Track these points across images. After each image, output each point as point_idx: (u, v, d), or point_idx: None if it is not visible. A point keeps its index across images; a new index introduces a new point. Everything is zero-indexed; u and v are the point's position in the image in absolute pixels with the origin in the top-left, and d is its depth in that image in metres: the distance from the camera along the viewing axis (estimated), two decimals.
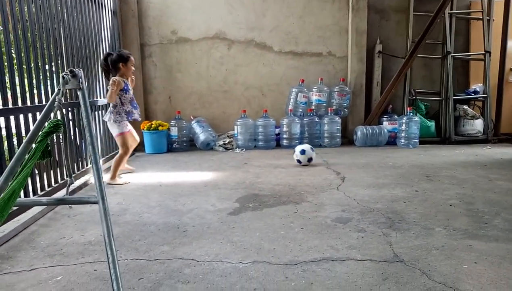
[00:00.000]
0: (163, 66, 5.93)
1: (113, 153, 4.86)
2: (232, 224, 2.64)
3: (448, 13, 6.06)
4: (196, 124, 5.75)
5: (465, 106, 6.23)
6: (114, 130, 3.87)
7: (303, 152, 4.45)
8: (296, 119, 5.72)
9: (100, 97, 4.58)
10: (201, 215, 2.83)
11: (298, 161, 4.48)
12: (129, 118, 3.91)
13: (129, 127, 4.00)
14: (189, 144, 5.81)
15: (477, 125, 6.13)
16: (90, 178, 3.92)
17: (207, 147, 5.71)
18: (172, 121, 5.64)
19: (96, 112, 4.42)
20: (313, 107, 5.96)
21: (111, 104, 3.82)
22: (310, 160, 4.47)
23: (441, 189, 3.42)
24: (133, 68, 3.95)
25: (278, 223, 2.65)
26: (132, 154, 5.50)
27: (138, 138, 4.20)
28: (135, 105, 3.95)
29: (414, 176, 3.90)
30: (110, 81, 3.70)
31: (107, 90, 3.87)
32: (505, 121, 6.34)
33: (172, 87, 6.02)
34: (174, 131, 5.59)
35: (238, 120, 5.69)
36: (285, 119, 5.74)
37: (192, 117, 5.89)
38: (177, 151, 5.63)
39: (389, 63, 6.26)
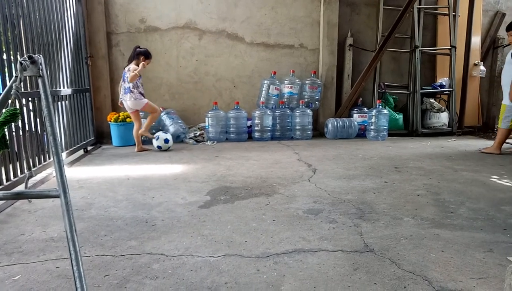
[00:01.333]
0: None
1: (78, 145, 4.68)
2: (203, 217, 2.59)
3: (417, 8, 6.19)
4: (166, 116, 5.61)
5: (432, 100, 6.40)
6: (141, 104, 4.78)
7: (167, 140, 4.93)
8: (268, 112, 5.69)
9: (64, 87, 4.37)
10: (171, 209, 2.76)
11: (158, 147, 4.96)
12: (143, 96, 4.85)
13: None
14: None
15: (442, 118, 6.32)
16: (53, 171, 3.75)
17: (177, 139, 5.58)
18: (141, 113, 5.46)
19: (59, 103, 4.22)
20: (285, 99, 5.95)
21: (130, 87, 4.70)
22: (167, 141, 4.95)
23: (409, 179, 3.49)
24: (146, 66, 4.78)
25: (249, 215, 2.61)
26: (99, 146, 5.32)
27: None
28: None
29: (383, 168, 3.97)
30: (139, 66, 4.62)
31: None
32: (469, 114, 6.58)
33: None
34: (142, 123, 5.42)
35: (209, 112, 5.60)
36: (257, 112, 5.70)
37: (161, 109, 5.74)
38: (146, 143, 5.45)
39: (359, 56, 6.33)
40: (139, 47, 4.84)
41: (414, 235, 2.28)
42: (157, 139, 4.92)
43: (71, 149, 4.44)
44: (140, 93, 4.80)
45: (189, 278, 1.81)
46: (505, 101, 4.63)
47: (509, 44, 6.38)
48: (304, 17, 6.10)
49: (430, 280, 1.77)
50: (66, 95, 4.40)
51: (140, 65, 4.61)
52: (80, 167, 4.13)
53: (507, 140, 5.59)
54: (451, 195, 3.03)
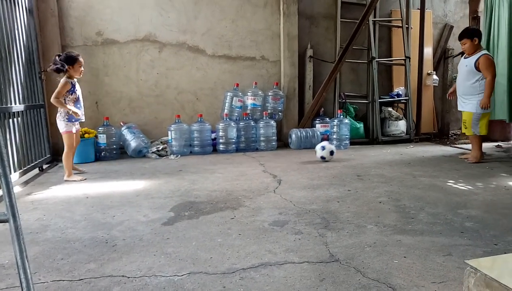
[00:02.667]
0: (88, 70, 5.54)
1: (33, 163, 4.44)
2: (166, 234, 2.51)
3: (372, 20, 6.43)
4: (127, 131, 5.46)
5: (390, 109, 6.64)
6: (60, 128, 4.18)
7: (323, 147, 4.80)
8: (232, 124, 5.68)
9: (15, 103, 4.15)
10: (133, 227, 2.66)
11: (322, 157, 4.80)
12: (72, 119, 4.16)
13: (75, 128, 4.25)
14: (120, 152, 5.49)
15: (400, 126, 6.56)
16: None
17: (139, 154, 5.44)
18: (100, 128, 5.30)
19: (11, 120, 3.99)
20: (248, 111, 5.96)
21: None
22: (332, 153, 4.80)
23: (371, 187, 3.57)
24: (82, 69, 4.22)
25: (215, 230, 2.57)
26: (55, 164, 5.08)
27: (79, 141, 4.58)
28: (78, 106, 4.22)
29: (346, 176, 4.04)
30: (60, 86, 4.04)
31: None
32: (425, 121, 6.87)
33: (99, 92, 5.66)
34: (102, 138, 5.25)
35: (172, 126, 5.51)
36: (221, 124, 5.67)
37: (122, 124, 5.59)
38: (106, 159, 5.29)
39: (319, 68, 6.48)
40: (58, 55, 4.13)
41: (377, 242, 2.32)
42: (322, 150, 4.78)
43: (25, 168, 4.20)
44: (67, 113, 4.10)
45: None
46: (472, 109, 4.52)
47: (458, 55, 6.78)
48: (265, 30, 6.18)
49: (394, 287, 1.79)
50: (18, 111, 4.17)
51: (70, 109, 4.03)
52: (35, 186, 3.92)
53: (462, 146, 5.89)
54: (411, 201, 3.13)
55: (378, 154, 5.44)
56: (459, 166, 4.49)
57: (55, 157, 5.28)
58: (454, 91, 4.93)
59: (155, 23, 5.75)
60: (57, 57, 4.09)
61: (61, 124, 4.16)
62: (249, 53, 6.17)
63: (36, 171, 4.61)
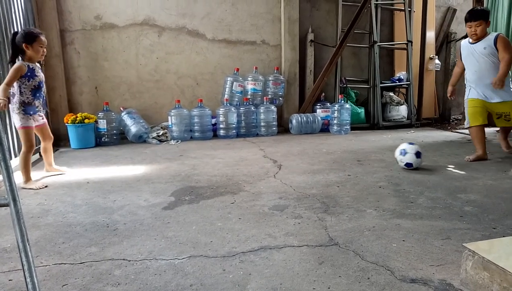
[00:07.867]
0: (87, 54, 5.52)
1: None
2: (167, 219, 2.53)
3: (374, 3, 6.34)
4: (127, 116, 5.45)
5: (391, 93, 6.60)
6: (15, 122, 3.35)
7: (403, 152, 3.58)
8: (232, 109, 5.66)
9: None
10: (133, 212, 2.67)
11: (408, 165, 3.58)
12: (29, 112, 3.32)
13: (37, 122, 3.44)
14: (120, 138, 5.50)
15: (401, 111, 6.53)
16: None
17: (140, 139, 5.44)
18: (100, 113, 5.29)
19: (9, 105, 3.97)
20: (249, 96, 5.93)
21: (13, 92, 3.26)
22: (419, 154, 3.58)
23: (371, 172, 3.58)
24: (44, 50, 3.31)
25: (215, 214, 2.58)
26: (56, 150, 5.08)
27: (51, 135, 3.71)
28: (38, 95, 3.35)
29: (346, 161, 4.04)
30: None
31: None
32: (426, 106, 6.84)
33: (98, 77, 5.63)
34: (102, 124, 5.25)
35: (172, 111, 5.49)
36: (221, 109, 5.65)
37: (122, 109, 5.57)
38: (106, 144, 5.30)
39: (320, 52, 6.42)
40: (16, 33, 3.25)
41: (376, 226, 2.33)
42: (404, 155, 3.56)
43: None
44: (22, 103, 3.28)
45: (153, 282, 1.76)
46: (506, 97, 3.91)
47: (461, 39, 6.70)
48: (265, 13, 6.10)
49: (392, 269, 1.81)
50: None
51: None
52: (36, 171, 3.92)
53: (464, 132, 5.86)
54: (410, 186, 3.13)
55: (378, 139, 5.44)
56: (460, 151, 4.49)
57: (56, 142, 5.28)
58: (454, 90, 4.32)
59: (154, 7, 5.68)
60: (13, 39, 3.21)
61: (16, 118, 3.30)
62: (250, 37, 6.10)
63: (37, 156, 4.61)
